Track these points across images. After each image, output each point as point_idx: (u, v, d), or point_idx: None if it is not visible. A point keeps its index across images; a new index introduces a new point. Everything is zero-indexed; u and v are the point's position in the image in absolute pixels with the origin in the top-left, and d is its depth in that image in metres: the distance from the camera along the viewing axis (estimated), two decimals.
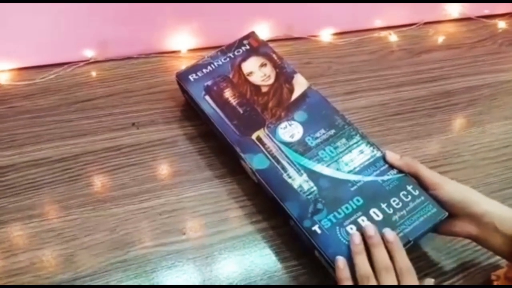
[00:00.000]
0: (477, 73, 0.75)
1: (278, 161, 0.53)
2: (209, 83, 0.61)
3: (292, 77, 0.62)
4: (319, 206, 0.50)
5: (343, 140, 0.55)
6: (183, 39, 0.73)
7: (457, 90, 0.72)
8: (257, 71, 0.62)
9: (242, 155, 0.55)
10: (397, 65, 0.75)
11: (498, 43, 0.81)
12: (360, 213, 0.49)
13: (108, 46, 0.71)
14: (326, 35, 0.79)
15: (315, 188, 0.51)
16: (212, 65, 0.63)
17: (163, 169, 0.59)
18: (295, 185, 0.51)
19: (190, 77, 0.62)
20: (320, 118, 0.57)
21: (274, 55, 0.64)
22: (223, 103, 0.59)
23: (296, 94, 0.60)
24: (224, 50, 0.65)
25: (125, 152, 0.60)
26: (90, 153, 0.60)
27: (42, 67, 0.69)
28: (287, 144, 0.55)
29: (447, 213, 0.48)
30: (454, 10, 0.83)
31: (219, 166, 0.59)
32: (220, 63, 0.63)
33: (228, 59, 0.64)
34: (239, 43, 0.66)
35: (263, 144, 0.55)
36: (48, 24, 0.66)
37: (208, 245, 0.52)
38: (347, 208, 0.49)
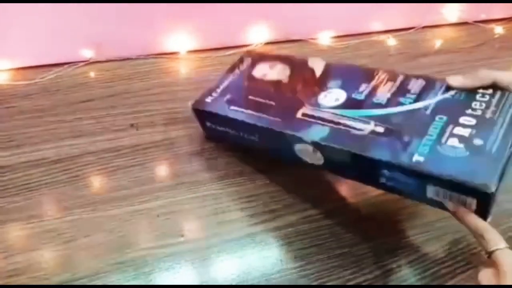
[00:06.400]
0: None
1: (337, 123, 0.48)
2: (229, 97, 0.58)
3: (306, 61, 0.58)
4: (406, 139, 0.44)
5: (389, 83, 0.50)
6: (182, 40, 0.74)
7: None
8: (270, 71, 0.60)
9: (297, 134, 0.49)
10: (395, 69, 0.75)
11: (495, 48, 0.81)
12: (451, 126, 0.43)
13: (107, 47, 0.71)
14: (325, 38, 0.79)
15: (390, 127, 0.46)
16: (223, 84, 0.60)
17: (162, 171, 0.59)
18: (368, 133, 0.46)
19: (206, 100, 0.59)
20: (355, 78, 0.53)
21: (279, 56, 0.62)
22: (252, 105, 0.55)
23: (318, 71, 0.56)
24: (230, 69, 0.62)
25: (124, 153, 0.60)
26: (89, 154, 0.60)
27: (42, 67, 0.69)
28: (336, 107, 0.50)
29: None
30: (452, 15, 0.84)
31: (218, 168, 0.60)
32: (231, 79, 0.61)
33: (236, 75, 0.61)
34: (241, 60, 0.63)
35: (313, 117, 0.50)
36: (48, 24, 0.66)
37: (206, 247, 0.52)
38: (435, 128, 0.44)
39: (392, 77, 0.51)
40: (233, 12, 0.73)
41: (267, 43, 0.77)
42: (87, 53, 0.71)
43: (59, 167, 0.58)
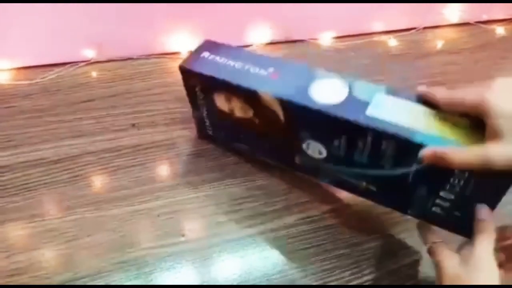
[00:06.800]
0: (475, 79, 0.75)
1: (337, 175, 0.52)
2: (224, 134, 0.60)
3: (258, 98, 0.49)
4: (398, 198, 0.49)
5: (360, 143, 0.45)
6: (183, 40, 0.74)
7: None
8: (233, 105, 0.53)
9: (305, 174, 0.57)
10: (396, 69, 0.76)
11: (496, 48, 0.81)
12: (433, 196, 0.46)
13: (109, 47, 0.71)
14: (326, 39, 0.79)
15: (380, 186, 0.49)
16: (206, 120, 0.59)
17: (163, 171, 0.60)
18: (365, 188, 0.51)
19: (209, 132, 0.60)
20: (322, 130, 0.48)
21: (219, 80, 0.51)
22: (250, 143, 0.58)
23: (278, 111, 0.49)
24: (193, 105, 0.58)
25: (124, 153, 0.60)
26: (89, 154, 0.60)
27: (43, 67, 0.69)
28: (323, 160, 0.51)
29: None
30: (453, 15, 0.84)
31: (219, 168, 0.60)
32: (205, 113, 0.58)
33: (204, 109, 0.57)
34: (192, 93, 0.56)
35: (310, 166, 0.53)
36: (50, 24, 0.66)
37: (207, 247, 0.52)
38: (419, 195, 0.47)
39: (359, 134, 0.44)
40: (234, 12, 0.72)
41: (268, 44, 0.77)
42: (89, 53, 0.71)
43: (58, 167, 0.58)
